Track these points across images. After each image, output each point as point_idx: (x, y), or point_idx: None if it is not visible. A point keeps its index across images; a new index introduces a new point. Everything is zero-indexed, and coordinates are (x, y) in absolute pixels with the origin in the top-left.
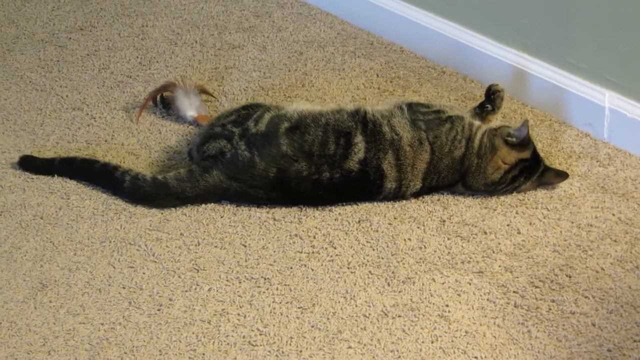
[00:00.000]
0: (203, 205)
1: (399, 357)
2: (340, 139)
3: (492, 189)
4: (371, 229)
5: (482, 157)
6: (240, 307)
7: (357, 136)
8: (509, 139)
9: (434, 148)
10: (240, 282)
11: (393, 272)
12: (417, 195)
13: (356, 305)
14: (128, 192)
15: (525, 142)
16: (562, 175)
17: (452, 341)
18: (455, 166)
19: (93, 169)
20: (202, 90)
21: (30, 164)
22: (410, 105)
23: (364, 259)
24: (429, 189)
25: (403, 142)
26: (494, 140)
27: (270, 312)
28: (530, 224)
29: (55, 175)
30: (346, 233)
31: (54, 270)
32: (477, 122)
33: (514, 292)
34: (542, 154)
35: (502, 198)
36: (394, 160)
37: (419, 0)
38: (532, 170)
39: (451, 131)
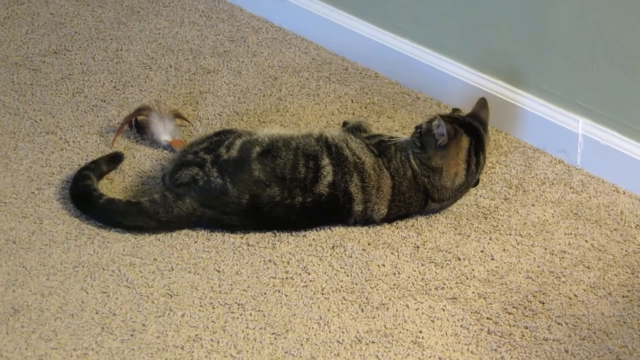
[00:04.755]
0: (177, 231)
1: None
2: (309, 162)
3: (467, 188)
4: (345, 254)
5: (430, 176)
6: (214, 333)
7: (324, 159)
8: (441, 143)
9: (392, 173)
10: (213, 308)
11: (367, 298)
12: (390, 220)
13: (330, 331)
14: (102, 207)
15: (452, 135)
16: (484, 105)
17: None
18: (414, 186)
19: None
20: (177, 115)
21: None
22: (353, 132)
23: (337, 284)
24: (398, 215)
25: (366, 166)
26: (432, 161)
27: (244, 338)
28: (504, 250)
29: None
30: (320, 259)
31: (26, 295)
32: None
33: (488, 318)
34: (515, 181)
35: (475, 224)
36: (359, 182)
37: (394, 26)
38: (479, 139)
39: (396, 153)
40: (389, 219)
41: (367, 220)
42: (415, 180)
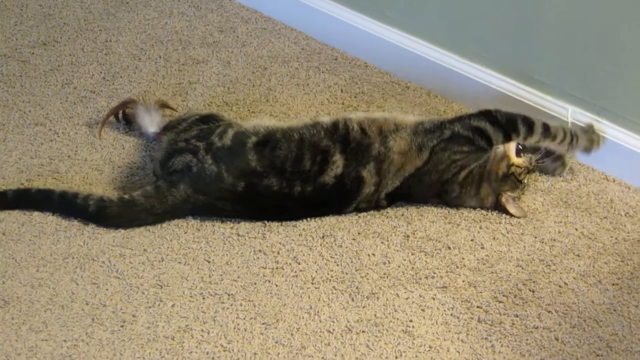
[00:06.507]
0: (165, 222)
1: None
2: (316, 157)
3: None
4: (335, 244)
5: (465, 191)
6: (204, 323)
7: (335, 155)
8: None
9: (431, 159)
10: (204, 298)
11: (357, 288)
12: (390, 197)
13: (320, 321)
14: (95, 215)
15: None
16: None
17: (416, 356)
18: (437, 186)
19: (51, 199)
20: (164, 105)
21: None
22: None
23: (328, 274)
24: (402, 194)
25: (392, 151)
26: (482, 190)
27: (234, 328)
28: (494, 238)
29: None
30: (310, 248)
31: (16, 287)
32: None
33: (478, 307)
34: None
35: (465, 213)
36: (374, 169)
37: (384, 15)
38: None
39: (457, 154)
40: (394, 196)
41: (370, 201)
42: (443, 179)
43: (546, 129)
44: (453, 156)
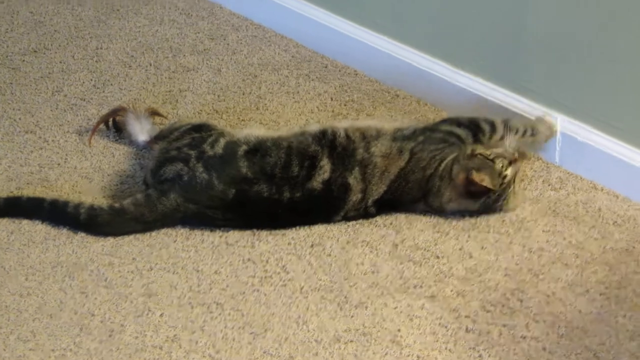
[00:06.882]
0: (155, 230)
1: None
2: (304, 162)
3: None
4: (324, 253)
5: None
6: (192, 333)
7: (323, 159)
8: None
9: (412, 158)
10: (192, 308)
11: (345, 297)
12: (378, 203)
13: (308, 331)
14: (85, 224)
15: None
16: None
17: None
18: (422, 184)
19: (42, 207)
20: (154, 113)
21: None
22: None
23: (316, 283)
24: (390, 200)
25: (375, 155)
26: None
27: (223, 338)
28: (482, 248)
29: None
30: (299, 257)
31: (5, 296)
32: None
33: (466, 316)
34: None
35: (454, 222)
36: (360, 175)
37: (373, 23)
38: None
39: (435, 151)
40: (381, 203)
41: (358, 208)
42: (426, 175)
43: (506, 124)
44: (431, 154)
